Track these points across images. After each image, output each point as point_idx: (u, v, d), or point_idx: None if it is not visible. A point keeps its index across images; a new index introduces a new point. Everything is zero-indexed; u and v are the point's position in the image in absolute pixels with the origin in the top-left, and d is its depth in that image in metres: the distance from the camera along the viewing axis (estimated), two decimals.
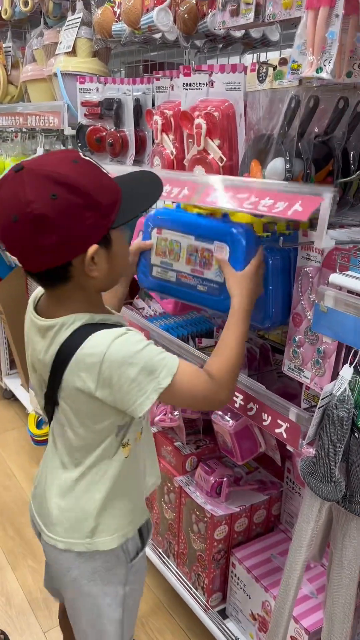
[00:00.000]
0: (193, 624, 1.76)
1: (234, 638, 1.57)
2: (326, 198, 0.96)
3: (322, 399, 1.01)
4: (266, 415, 1.21)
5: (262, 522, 1.67)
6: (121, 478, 1.11)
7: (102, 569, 1.13)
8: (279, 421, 1.18)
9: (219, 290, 1.20)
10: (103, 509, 1.10)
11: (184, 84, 1.37)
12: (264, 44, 1.62)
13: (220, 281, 1.18)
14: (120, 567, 1.15)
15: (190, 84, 1.36)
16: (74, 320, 1.00)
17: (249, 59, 1.80)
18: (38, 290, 1.13)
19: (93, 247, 0.95)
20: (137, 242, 1.23)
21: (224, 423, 1.48)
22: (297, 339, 1.21)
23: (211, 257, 1.18)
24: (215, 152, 1.26)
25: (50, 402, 1.08)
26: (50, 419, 1.13)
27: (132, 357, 0.96)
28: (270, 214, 1.04)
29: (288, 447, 1.19)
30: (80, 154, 0.98)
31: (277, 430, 1.19)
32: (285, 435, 1.17)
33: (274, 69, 1.12)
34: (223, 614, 1.64)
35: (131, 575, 1.18)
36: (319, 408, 1.01)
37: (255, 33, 1.53)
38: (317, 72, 0.94)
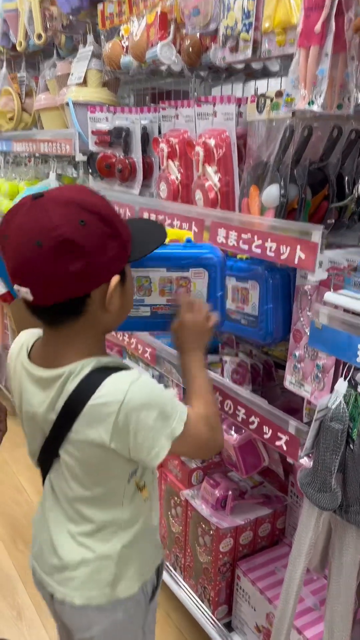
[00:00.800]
0: (200, 637, 1.78)
1: None
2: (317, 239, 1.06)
3: (319, 412, 1.06)
4: (267, 428, 1.26)
5: (267, 535, 1.70)
6: (143, 522, 1.06)
7: (124, 619, 1.06)
8: (279, 434, 1.22)
9: None
10: (124, 556, 1.04)
11: (197, 114, 1.45)
12: (265, 73, 1.71)
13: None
14: (140, 612, 1.10)
15: (200, 114, 1.44)
16: (82, 367, 0.94)
17: (252, 85, 1.88)
18: (26, 338, 1.06)
19: (116, 278, 0.92)
20: None
21: (229, 437, 1.53)
22: (297, 355, 1.26)
23: (188, 284, 1.19)
24: (211, 178, 1.34)
25: (49, 455, 1.01)
26: (45, 471, 1.05)
27: (149, 403, 0.92)
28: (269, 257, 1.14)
29: (288, 460, 1.23)
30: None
31: (277, 443, 1.23)
32: (285, 448, 1.21)
33: (271, 100, 1.19)
34: (229, 626, 1.67)
35: (149, 616, 1.14)
36: (316, 420, 1.06)
37: (255, 65, 1.61)
38: (309, 105, 1.01)
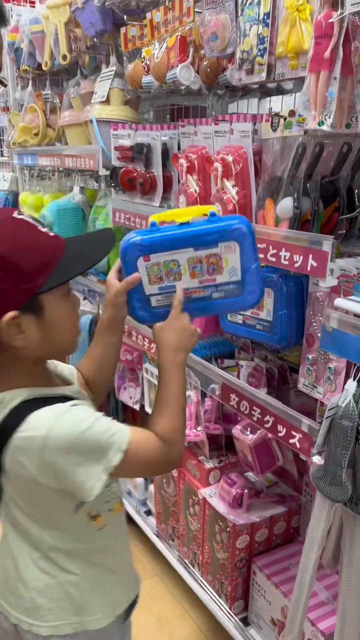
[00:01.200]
0: (218, 633, 1.85)
1: None
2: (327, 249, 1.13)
3: (329, 410, 1.13)
4: (281, 427, 1.33)
5: (281, 533, 1.76)
6: (99, 552, 1.04)
7: None
8: (292, 432, 1.29)
9: (238, 289, 1.14)
10: (85, 585, 1.03)
11: (215, 131, 1.54)
12: (279, 91, 1.80)
13: (237, 279, 1.13)
14: (116, 636, 1.08)
15: (218, 131, 1.53)
16: (12, 398, 0.91)
17: (267, 101, 1.98)
18: None
19: (9, 314, 0.87)
20: (124, 280, 1.10)
21: (244, 437, 1.60)
22: (310, 358, 1.33)
23: (219, 260, 1.11)
24: (229, 191, 1.42)
25: None
26: None
27: (77, 438, 0.89)
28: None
29: (301, 457, 1.30)
30: (15, 213, 0.92)
31: (291, 441, 1.30)
32: (298, 445, 1.28)
33: (284, 119, 1.28)
34: (245, 621, 1.73)
35: (126, 636, 1.13)
36: (326, 418, 1.13)
37: (270, 84, 1.70)
38: (319, 125, 1.09)
